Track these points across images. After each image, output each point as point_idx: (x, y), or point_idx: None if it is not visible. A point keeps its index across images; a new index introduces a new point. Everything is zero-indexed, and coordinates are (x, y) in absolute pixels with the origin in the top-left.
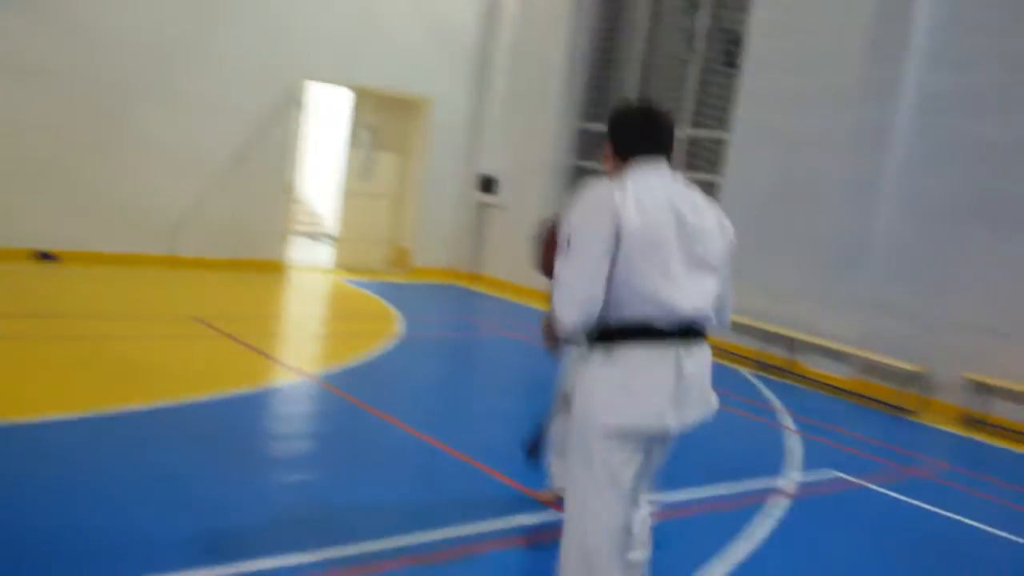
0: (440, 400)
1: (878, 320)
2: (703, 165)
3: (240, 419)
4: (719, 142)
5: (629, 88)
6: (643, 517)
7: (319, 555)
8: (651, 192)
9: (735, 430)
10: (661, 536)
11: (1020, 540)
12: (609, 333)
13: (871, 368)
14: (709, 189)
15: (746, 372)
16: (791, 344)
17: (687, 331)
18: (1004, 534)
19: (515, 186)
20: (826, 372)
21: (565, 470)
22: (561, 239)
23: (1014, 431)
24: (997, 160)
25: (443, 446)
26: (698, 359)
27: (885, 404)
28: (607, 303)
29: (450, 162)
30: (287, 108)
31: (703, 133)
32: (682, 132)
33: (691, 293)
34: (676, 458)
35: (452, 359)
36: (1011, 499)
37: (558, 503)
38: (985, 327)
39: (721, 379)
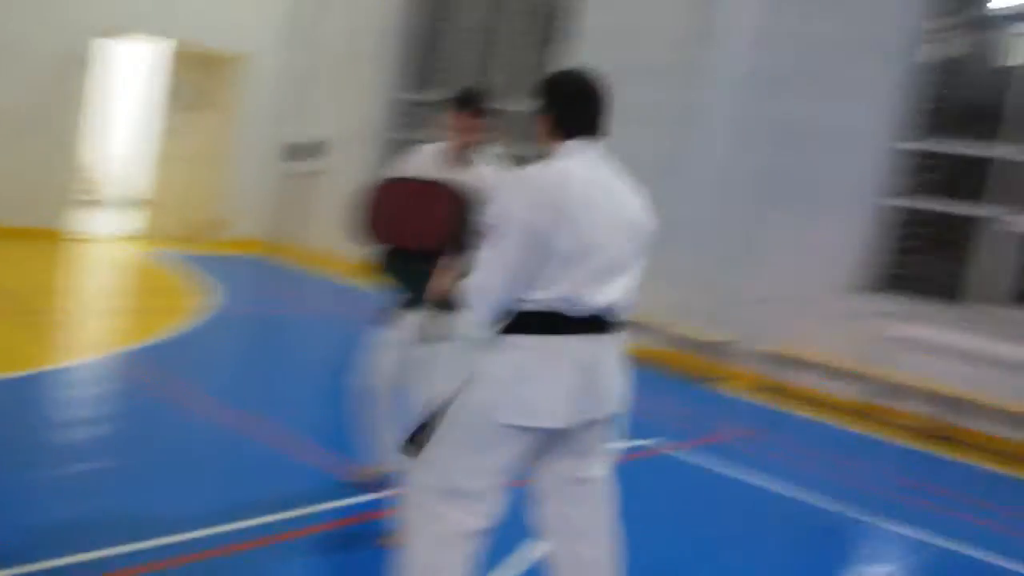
0: (250, 381)
1: (684, 292)
2: (529, 139)
3: (7, 405)
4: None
5: (460, 61)
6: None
7: (106, 552)
8: (587, 180)
9: None
10: None
11: (811, 501)
12: (514, 322)
13: (676, 339)
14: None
15: None
16: None
17: (598, 324)
18: (802, 497)
19: (336, 152)
20: (632, 343)
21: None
22: (486, 221)
23: (808, 398)
24: (796, 140)
25: (252, 429)
26: (607, 353)
27: (689, 374)
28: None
29: (265, 125)
30: (75, 65)
31: (521, 108)
32: (519, 105)
33: (607, 287)
34: None
35: (264, 337)
36: (804, 462)
37: (375, 482)
38: (783, 299)
39: None
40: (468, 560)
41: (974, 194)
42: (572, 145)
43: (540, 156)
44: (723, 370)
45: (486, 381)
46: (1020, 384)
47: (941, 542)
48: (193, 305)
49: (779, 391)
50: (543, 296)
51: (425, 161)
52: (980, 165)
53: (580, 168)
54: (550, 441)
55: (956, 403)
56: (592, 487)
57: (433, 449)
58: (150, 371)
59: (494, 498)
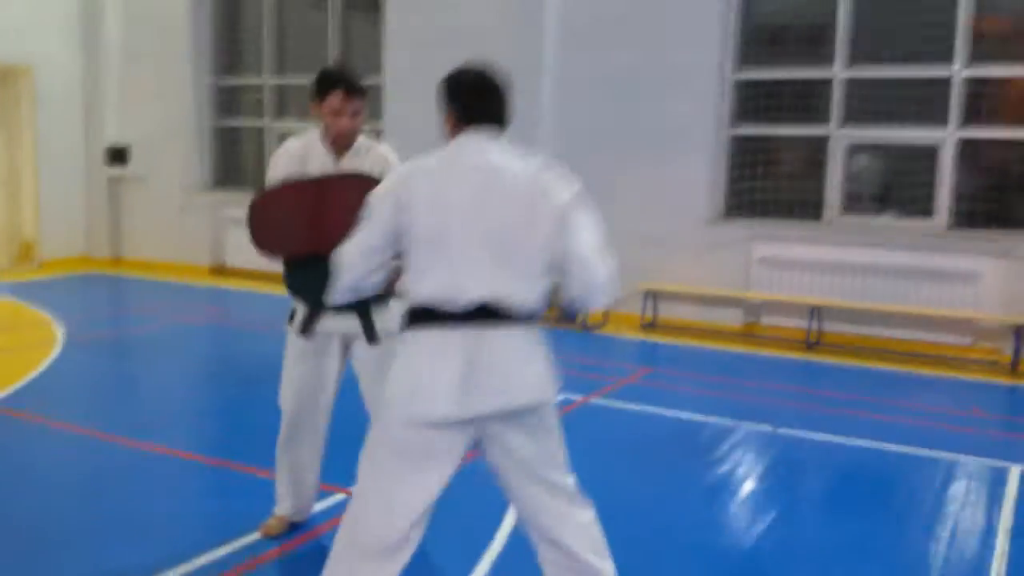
0: (146, 403)
1: None
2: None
3: None
4: (372, 88)
5: (264, 38)
6: (581, 523)
7: None
8: (460, 167)
9: None
10: None
11: (724, 422)
12: (405, 318)
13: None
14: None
15: None
16: None
17: (485, 315)
18: (713, 419)
19: (151, 154)
20: None
21: None
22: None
23: (690, 328)
24: (634, 85)
25: (169, 451)
26: (498, 345)
27: (571, 324)
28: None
29: (67, 136)
30: None
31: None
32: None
33: (488, 277)
34: None
35: (130, 357)
36: (704, 387)
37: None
38: (649, 240)
39: None
40: None
41: (818, 114)
42: (462, 136)
43: None
44: (604, 315)
45: (389, 378)
46: (879, 285)
47: (825, 437)
48: (36, 338)
49: (661, 326)
50: (421, 289)
51: (305, 156)
52: (818, 86)
53: (458, 157)
54: (456, 439)
55: (824, 311)
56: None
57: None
58: (32, 412)
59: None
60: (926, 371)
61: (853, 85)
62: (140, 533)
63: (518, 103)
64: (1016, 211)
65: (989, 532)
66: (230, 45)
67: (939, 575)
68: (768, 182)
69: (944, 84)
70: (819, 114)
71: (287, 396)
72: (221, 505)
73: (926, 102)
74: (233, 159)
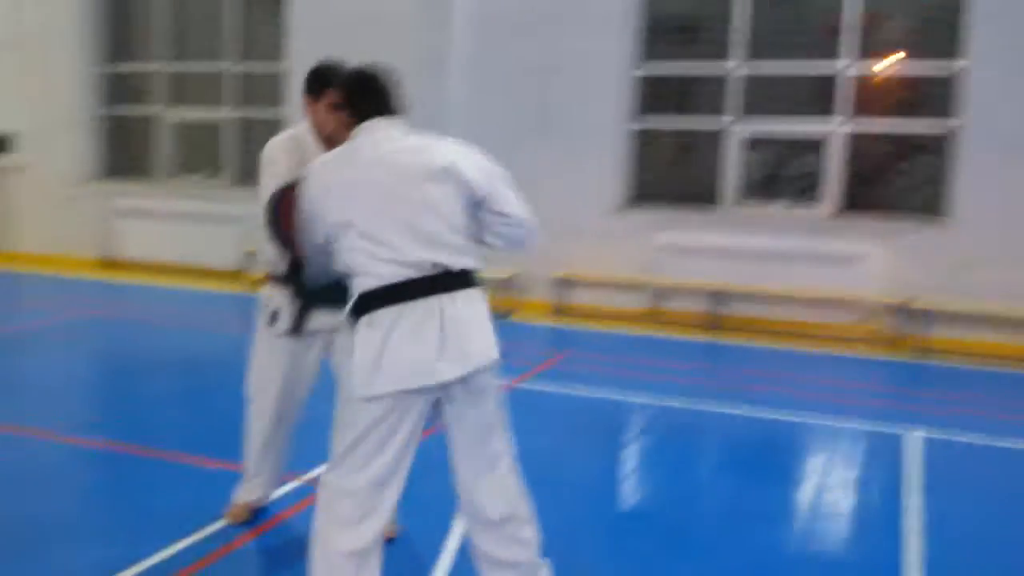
0: (88, 399)
1: None
2: (263, 100)
3: None
4: (275, 76)
5: (159, 24)
6: (497, 478)
7: None
8: (358, 157)
9: None
10: None
11: (641, 399)
12: (355, 303)
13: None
14: (274, 126)
15: None
16: None
17: (435, 285)
18: (630, 397)
19: (38, 143)
20: None
21: None
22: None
23: (598, 313)
24: (542, 76)
25: (97, 444)
26: (456, 311)
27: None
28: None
29: None
30: None
31: (259, 67)
32: (231, 67)
33: (424, 251)
34: None
35: (28, 353)
36: (619, 368)
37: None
38: (558, 229)
39: None
40: None
41: (713, 107)
42: (359, 129)
43: None
44: (515, 303)
45: (351, 364)
46: (773, 269)
47: (734, 410)
48: None
49: (571, 312)
50: (369, 279)
51: (303, 152)
52: (712, 81)
53: (359, 147)
54: (423, 408)
55: (724, 295)
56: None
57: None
58: None
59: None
60: (819, 348)
61: (747, 80)
62: (99, 531)
63: (427, 92)
64: (897, 198)
65: (896, 490)
66: (121, 31)
67: (855, 531)
68: (669, 172)
69: (830, 80)
70: (716, 107)
71: (270, 392)
72: (170, 497)
73: (814, 97)
74: (126, 148)
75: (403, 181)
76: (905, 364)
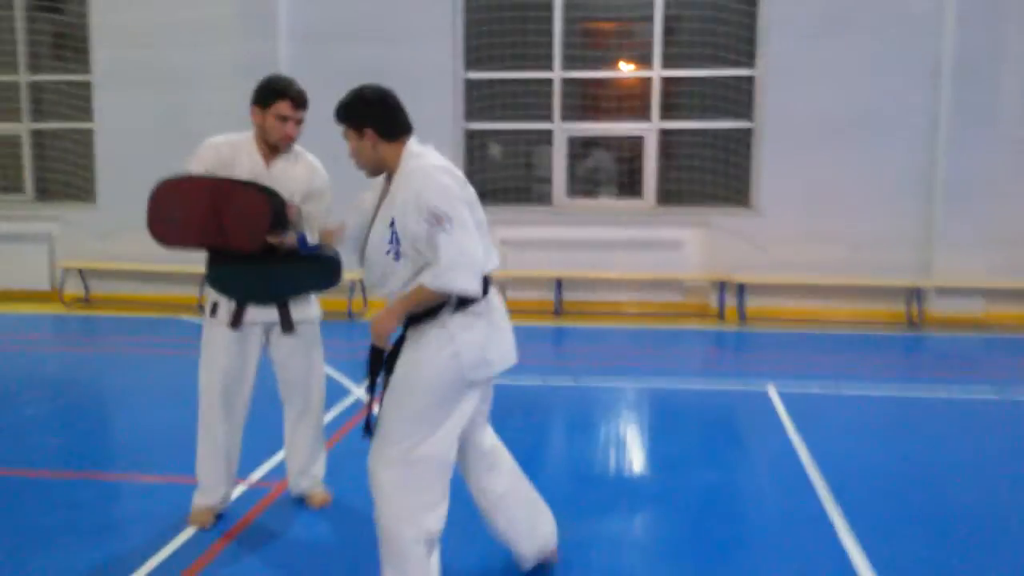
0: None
1: None
2: (65, 111)
3: None
4: (80, 84)
5: None
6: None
7: None
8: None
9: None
10: None
11: (522, 381)
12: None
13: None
14: (82, 135)
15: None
16: None
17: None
18: (508, 380)
19: None
20: None
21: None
22: (436, 209)
23: None
24: (375, 81)
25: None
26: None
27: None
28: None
29: None
30: None
31: (56, 77)
32: (21, 77)
33: (493, 248)
34: None
35: None
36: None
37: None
38: None
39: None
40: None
41: (541, 111)
42: (412, 143)
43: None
44: (365, 302)
45: (439, 351)
46: (605, 257)
47: (608, 383)
48: None
49: None
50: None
51: (233, 157)
52: (540, 85)
53: (439, 161)
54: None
55: (564, 283)
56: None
57: (395, 425)
58: None
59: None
60: (656, 325)
61: (571, 84)
62: (82, 544)
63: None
64: (708, 188)
65: (777, 436)
66: None
67: (765, 471)
68: (503, 172)
69: (647, 83)
70: (544, 110)
71: (213, 384)
72: (120, 512)
73: (633, 98)
74: None
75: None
76: (732, 332)
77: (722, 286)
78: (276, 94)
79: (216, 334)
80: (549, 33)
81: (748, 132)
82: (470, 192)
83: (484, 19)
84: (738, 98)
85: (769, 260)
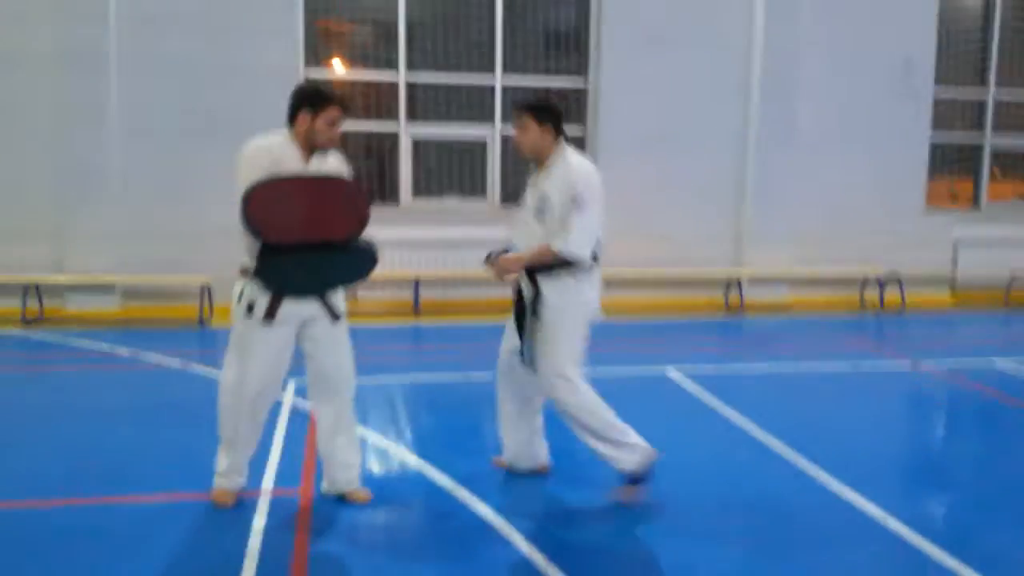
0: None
1: (135, 244)
2: None
3: None
4: None
5: None
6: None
7: None
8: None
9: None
10: None
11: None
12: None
13: (139, 293)
14: None
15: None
16: (37, 290)
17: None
18: (396, 378)
19: None
20: (94, 309)
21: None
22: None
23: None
24: (210, 78)
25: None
26: None
27: (182, 321)
28: None
29: None
30: None
31: None
32: None
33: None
34: None
35: None
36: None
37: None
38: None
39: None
40: None
41: (389, 113)
42: (562, 144)
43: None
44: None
45: (577, 298)
46: (453, 256)
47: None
48: None
49: None
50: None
51: (279, 156)
52: (387, 87)
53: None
54: None
55: (423, 282)
56: None
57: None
58: None
59: None
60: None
61: (416, 88)
62: None
63: (82, 88)
64: None
65: (710, 413)
66: None
67: (720, 449)
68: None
69: (490, 90)
70: (390, 112)
71: (252, 378)
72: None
73: (477, 105)
74: None
75: None
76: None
77: None
78: (326, 99)
79: (255, 332)
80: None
81: (583, 138)
82: (600, 186)
83: (324, 16)
84: (575, 107)
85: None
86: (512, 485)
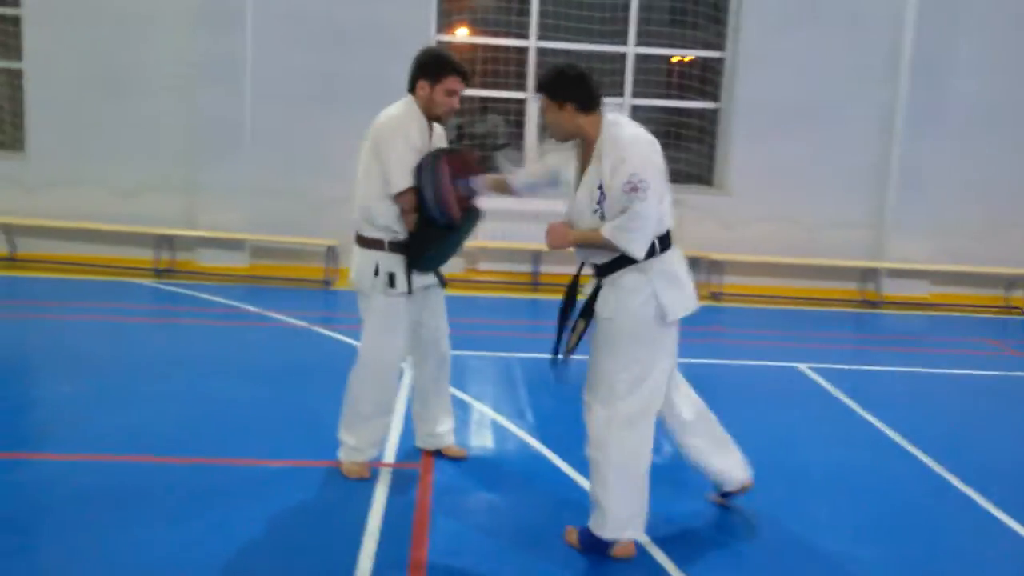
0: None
1: (263, 203)
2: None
3: None
4: (7, 19)
5: None
6: None
7: None
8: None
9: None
10: None
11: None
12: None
13: (267, 251)
14: (9, 76)
15: (146, 281)
16: (171, 243)
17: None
18: None
19: None
20: (224, 264)
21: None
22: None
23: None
24: (343, 44)
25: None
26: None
27: (308, 281)
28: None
29: None
30: None
31: None
32: None
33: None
34: None
35: None
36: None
37: None
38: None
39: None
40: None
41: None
42: (609, 114)
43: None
44: (334, 271)
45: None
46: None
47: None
48: None
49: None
50: (667, 224)
51: (423, 129)
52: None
53: (640, 130)
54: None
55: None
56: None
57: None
58: None
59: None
60: None
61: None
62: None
63: (218, 46)
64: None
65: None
66: None
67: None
68: None
69: (620, 58)
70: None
71: (396, 348)
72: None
73: (608, 74)
74: None
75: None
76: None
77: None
78: (448, 69)
79: (398, 304)
80: None
81: (715, 114)
82: (660, 160)
83: None
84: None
85: (741, 240)
86: None
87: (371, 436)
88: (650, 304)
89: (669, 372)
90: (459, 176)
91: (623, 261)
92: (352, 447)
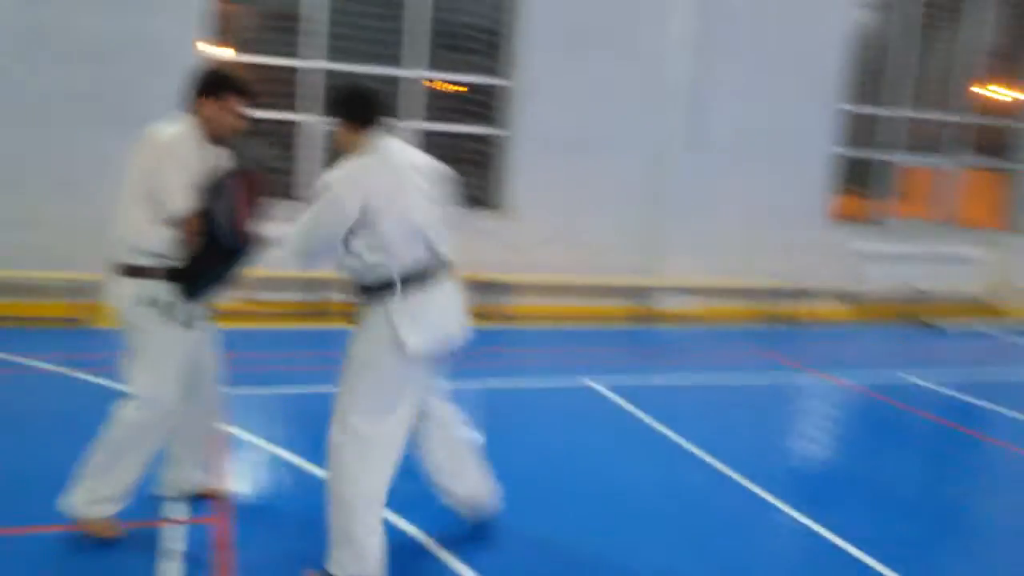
0: None
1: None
2: None
3: None
4: None
5: None
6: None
7: None
8: (394, 163)
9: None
10: None
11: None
12: (386, 283)
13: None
14: None
15: None
16: None
17: (443, 270)
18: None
19: None
20: None
21: None
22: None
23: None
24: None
25: None
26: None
27: (53, 320)
28: None
29: None
30: None
31: None
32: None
33: (439, 241)
34: None
35: None
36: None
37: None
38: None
39: None
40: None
41: (288, 102)
42: (372, 139)
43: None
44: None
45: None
46: None
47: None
48: None
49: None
50: (391, 264)
51: (204, 150)
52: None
53: (389, 155)
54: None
55: (320, 283)
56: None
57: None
58: None
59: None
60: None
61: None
62: None
63: None
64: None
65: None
66: None
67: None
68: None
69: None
70: (292, 101)
71: (173, 387)
72: None
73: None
74: None
75: (422, 188)
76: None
77: (477, 285)
78: (227, 86)
79: (175, 337)
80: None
81: (500, 139)
82: (403, 188)
83: None
84: (494, 105)
85: (525, 261)
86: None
87: (126, 484)
88: (395, 340)
89: (411, 410)
90: (252, 198)
91: (372, 292)
92: (105, 497)
